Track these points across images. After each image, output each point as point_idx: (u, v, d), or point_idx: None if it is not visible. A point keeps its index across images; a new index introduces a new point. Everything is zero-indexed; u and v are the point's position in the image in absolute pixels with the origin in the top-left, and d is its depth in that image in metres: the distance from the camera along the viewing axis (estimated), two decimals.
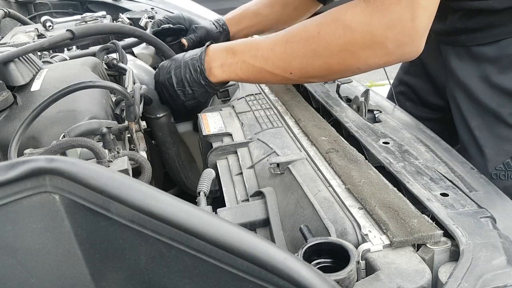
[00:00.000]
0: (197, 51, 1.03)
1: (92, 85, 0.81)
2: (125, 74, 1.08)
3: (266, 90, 1.12)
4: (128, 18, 1.46)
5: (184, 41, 1.28)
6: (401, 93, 1.32)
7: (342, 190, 0.69)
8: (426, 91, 1.27)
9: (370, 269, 0.56)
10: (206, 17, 1.79)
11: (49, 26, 1.44)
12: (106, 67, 1.15)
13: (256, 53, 0.93)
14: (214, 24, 1.35)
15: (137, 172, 0.80)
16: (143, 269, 0.43)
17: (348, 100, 1.04)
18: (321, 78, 0.97)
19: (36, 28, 1.39)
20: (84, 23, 1.46)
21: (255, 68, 0.93)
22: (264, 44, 0.94)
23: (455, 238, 0.56)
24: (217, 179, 0.87)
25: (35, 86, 0.90)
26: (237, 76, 0.98)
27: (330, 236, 0.60)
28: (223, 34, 1.35)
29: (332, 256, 0.55)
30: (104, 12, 1.57)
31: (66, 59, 1.15)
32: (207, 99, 1.11)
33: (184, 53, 1.08)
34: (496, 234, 0.57)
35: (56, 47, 1.20)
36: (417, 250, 0.57)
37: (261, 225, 0.72)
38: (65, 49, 1.30)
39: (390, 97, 1.32)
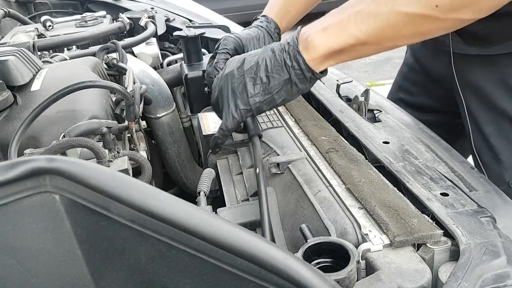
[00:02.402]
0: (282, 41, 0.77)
1: (92, 84, 0.81)
2: (125, 74, 1.07)
3: None
4: (128, 18, 1.46)
5: None
6: (400, 100, 1.28)
7: (342, 190, 0.69)
8: (427, 97, 1.24)
9: (370, 269, 0.56)
10: (208, 17, 1.79)
11: (49, 26, 1.44)
12: (106, 66, 1.15)
13: None
14: (271, 36, 1.06)
15: (137, 172, 0.80)
16: (143, 268, 0.43)
17: (348, 100, 1.04)
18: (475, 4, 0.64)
19: (36, 28, 1.39)
20: (84, 22, 1.46)
21: (380, 16, 0.65)
22: None
23: (455, 238, 0.56)
24: (217, 179, 0.87)
25: (35, 86, 0.90)
26: (352, 36, 0.68)
27: (330, 236, 0.60)
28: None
29: (332, 256, 0.55)
30: (104, 12, 1.57)
31: (66, 59, 1.15)
32: (287, 98, 0.77)
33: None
34: (496, 234, 0.57)
35: None
36: (417, 249, 0.58)
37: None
38: (65, 49, 1.30)
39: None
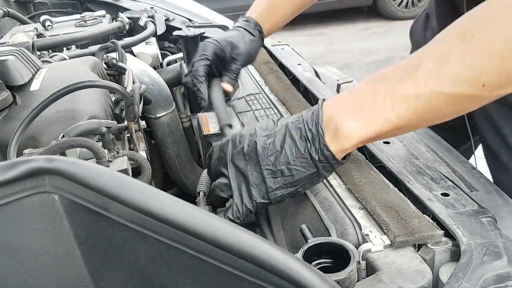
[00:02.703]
0: (300, 114, 0.67)
1: (91, 84, 0.81)
2: (124, 74, 1.07)
3: (266, 90, 1.12)
4: (128, 18, 1.46)
5: (227, 87, 0.97)
6: None
7: (343, 190, 0.69)
8: None
9: (370, 269, 0.56)
10: (208, 17, 1.79)
11: (48, 25, 1.44)
12: (105, 66, 1.15)
13: (411, 75, 0.58)
14: (251, 33, 1.02)
15: (136, 172, 0.80)
16: (143, 269, 0.43)
17: None
18: None
19: (36, 28, 1.39)
20: (83, 22, 1.46)
21: (420, 98, 0.57)
22: (417, 60, 0.60)
23: (456, 238, 0.56)
24: None
25: (34, 86, 0.90)
26: (389, 122, 0.59)
27: (330, 236, 0.60)
28: (259, 42, 1.05)
29: (332, 257, 0.55)
30: (103, 12, 1.57)
31: (66, 59, 1.15)
32: (311, 187, 0.68)
33: (265, 121, 0.69)
34: (497, 234, 0.57)
35: None
36: (418, 250, 0.57)
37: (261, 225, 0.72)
38: (65, 48, 1.30)
39: None
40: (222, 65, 0.99)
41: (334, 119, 0.61)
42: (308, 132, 0.63)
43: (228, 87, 0.97)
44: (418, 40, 1.25)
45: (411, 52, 1.32)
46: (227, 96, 0.99)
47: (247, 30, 1.01)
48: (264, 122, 0.69)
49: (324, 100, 0.66)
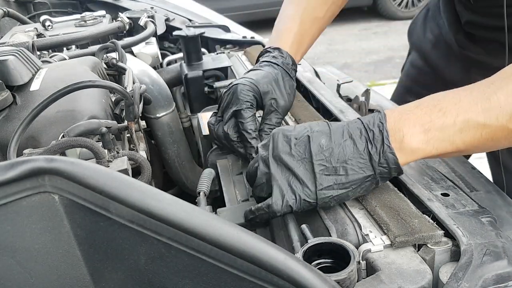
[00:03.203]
0: (356, 118, 0.65)
1: (91, 84, 0.81)
2: (124, 74, 1.07)
3: None
4: (128, 18, 1.46)
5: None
6: (407, 102, 1.23)
7: None
8: None
9: (370, 269, 0.56)
10: (208, 17, 1.79)
11: (48, 25, 1.44)
12: (105, 66, 1.15)
13: (483, 103, 0.59)
14: (288, 74, 0.89)
15: (136, 172, 0.80)
16: (143, 269, 0.43)
17: (349, 100, 1.04)
18: None
19: (36, 28, 1.39)
20: (83, 22, 1.46)
21: (487, 129, 0.58)
22: (489, 88, 0.60)
23: (456, 238, 0.56)
24: (217, 179, 0.87)
25: (34, 86, 0.90)
26: (454, 145, 0.60)
27: (331, 236, 0.60)
28: (294, 85, 0.92)
29: (332, 257, 0.55)
30: (103, 12, 1.57)
31: (66, 59, 1.15)
32: (358, 194, 0.63)
33: (319, 123, 0.66)
34: (497, 234, 0.57)
35: None
36: (418, 250, 0.57)
37: (262, 225, 0.72)
38: (65, 48, 1.30)
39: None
40: (257, 108, 0.84)
41: (401, 130, 0.60)
42: (369, 132, 0.61)
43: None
44: (417, 40, 1.24)
45: (408, 53, 1.32)
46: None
47: (285, 70, 0.88)
48: (314, 122, 0.66)
49: (382, 110, 0.64)
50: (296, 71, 0.91)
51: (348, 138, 0.61)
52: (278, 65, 0.86)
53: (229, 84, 0.83)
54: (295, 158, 0.62)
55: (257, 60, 0.91)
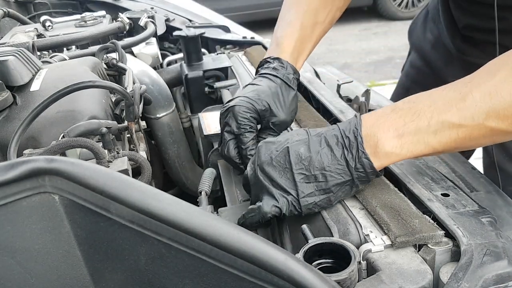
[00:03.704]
0: (334, 125, 0.67)
1: (91, 85, 0.81)
2: (124, 74, 1.07)
3: None
4: (128, 18, 1.46)
5: None
6: None
7: None
8: None
9: (371, 269, 0.56)
10: (208, 17, 1.79)
11: (49, 26, 1.44)
12: (105, 67, 1.15)
13: (458, 103, 0.59)
14: (290, 86, 0.85)
15: (137, 172, 0.80)
16: (143, 269, 0.42)
17: (349, 100, 1.04)
18: None
19: (36, 28, 1.39)
20: (83, 22, 1.46)
21: (464, 129, 0.59)
22: (465, 88, 0.60)
23: (456, 239, 0.56)
24: (218, 179, 0.87)
25: (34, 86, 0.90)
26: (429, 147, 0.60)
27: (332, 236, 0.60)
28: (296, 96, 0.88)
29: (333, 257, 0.55)
30: (103, 12, 1.57)
31: (66, 59, 1.15)
32: (339, 198, 0.65)
33: (294, 131, 0.69)
34: (497, 234, 0.57)
35: None
36: (418, 250, 0.57)
37: (262, 225, 0.71)
38: (65, 49, 1.30)
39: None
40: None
41: (375, 134, 0.61)
42: (345, 138, 0.62)
43: None
44: (417, 41, 1.24)
45: (408, 53, 1.32)
46: None
47: (285, 82, 0.84)
48: (294, 131, 0.68)
49: (358, 115, 0.66)
50: (298, 79, 0.88)
51: (325, 146, 0.63)
52: (278, 77, 0.83)
53: (226, 103, 0.81)
54: (277, 168, 0.64)
55: (257, 71, 0.88)
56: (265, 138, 0.77)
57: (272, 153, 0.65)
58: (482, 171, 0.75)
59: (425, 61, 1.21)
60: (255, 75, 0.88)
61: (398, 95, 1.32)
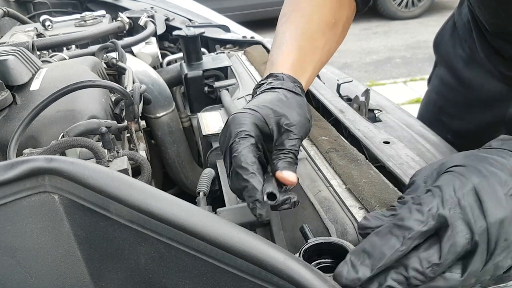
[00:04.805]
0: None
1: (91, 84, 0.81)
2: (124, 74, 1.07)
3: None
4: (128, 17, 1.46)
5: (287, 177, 0.58)
6: (442, 123, 1.09)
7: (343, 190, 0.69)
8: (470, 122, 1.05)
9: None
10: (208, 17, 1.79)
11: (48, 25, 1.44)
12: (105, 66, 1.15)
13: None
14: (294, 92, 0.68)
15: (136, 172, 0.80)
16: (143, 269, 0.43)
17: (349, 100, 1.04)
18: None
19: (35, 28, 1.39)
20: (83, 22, 1.46)
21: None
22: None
23: None
24: (217, 179, 0.87)
25: (34, 86, 0.90)
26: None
27: (330, 236, 0.60)
28: (306, 103, 0.70)
29: (332, 256, 0.55)
30: (103, 11, 1.57)
31: (66, 59, 1.15)
32: None
33: None
34: None
35: None
36: None
37: (261, 225, 0.72)
38: (64, 48, 1.30)
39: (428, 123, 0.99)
40: (268, 143, 0.63)
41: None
42: None
43: (290, 175, 0.58)
44: (445, 55, 1.12)
45: (434, 65, 1.18)
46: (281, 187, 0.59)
47: (286, 89, 0.69)
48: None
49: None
50: (302, 88, 0.72)
51: None
52: (277, 88, 0.69)
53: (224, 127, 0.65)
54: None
55: (253, 96, 0.72)
56: (284, 148, 0.61)
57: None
58: None
59: (458, 78, 1.08)
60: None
61: (430, 114, 1.18)
